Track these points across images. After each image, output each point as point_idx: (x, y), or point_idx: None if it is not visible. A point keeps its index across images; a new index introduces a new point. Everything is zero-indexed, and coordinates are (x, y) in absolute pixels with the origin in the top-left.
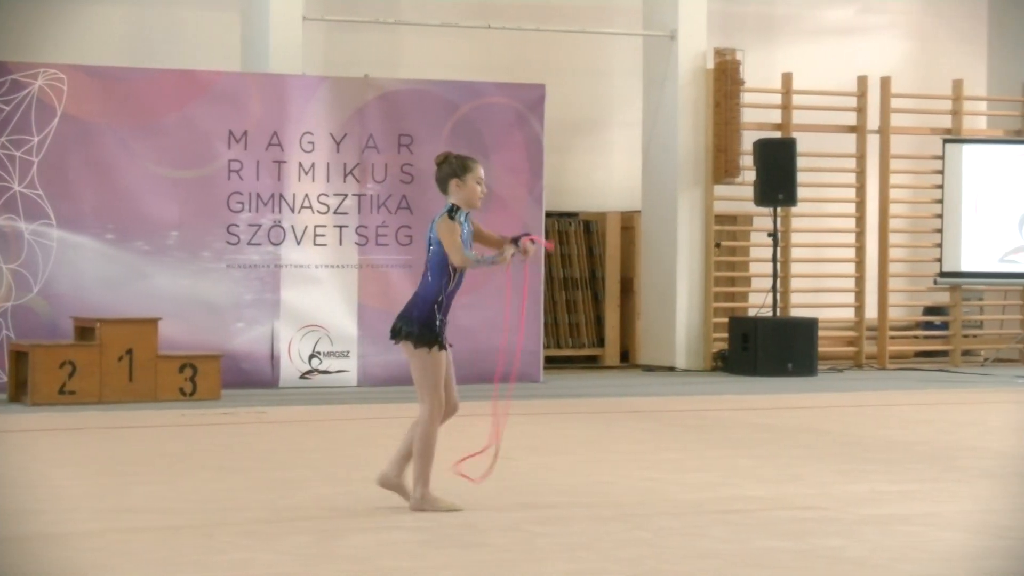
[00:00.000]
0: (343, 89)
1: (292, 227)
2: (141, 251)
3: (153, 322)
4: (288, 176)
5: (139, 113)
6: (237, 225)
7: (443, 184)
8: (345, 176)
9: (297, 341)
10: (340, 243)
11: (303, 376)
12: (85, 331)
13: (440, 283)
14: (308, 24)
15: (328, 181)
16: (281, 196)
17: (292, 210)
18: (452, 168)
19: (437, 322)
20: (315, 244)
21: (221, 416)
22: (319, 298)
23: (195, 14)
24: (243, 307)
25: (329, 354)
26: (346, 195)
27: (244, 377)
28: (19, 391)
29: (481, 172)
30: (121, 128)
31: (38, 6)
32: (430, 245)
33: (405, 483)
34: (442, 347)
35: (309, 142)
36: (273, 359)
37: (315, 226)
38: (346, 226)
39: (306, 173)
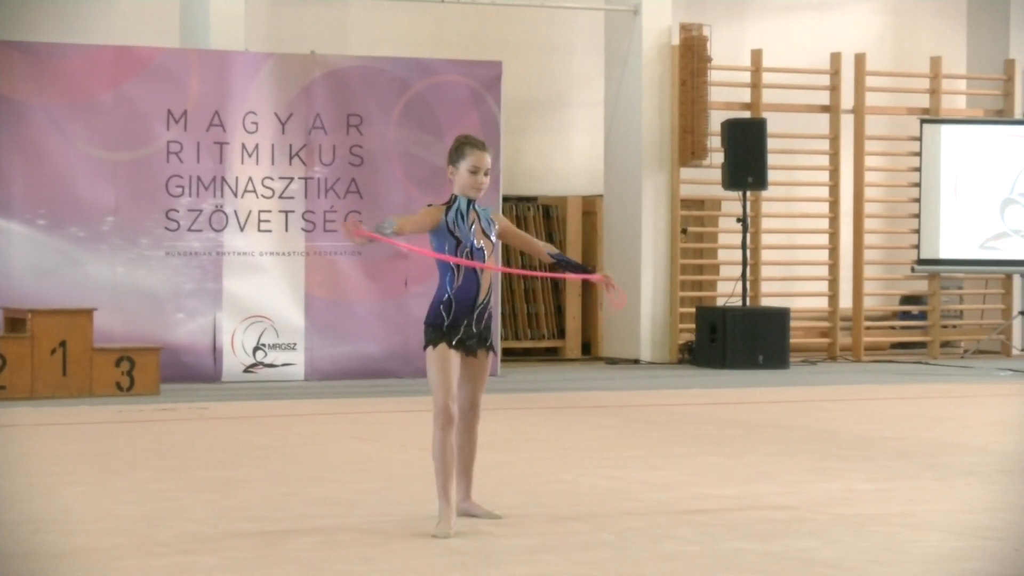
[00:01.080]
0: (288, 66)
1: (235, 212)
2: (75, 238)
3: (88, 313)
4: (230, 158)
5: (72, 91)
6: (177, 210)
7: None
8: (291, 158)
9: (240, 333)
10: (286, 229)
11: (247, 370)
12: (16, 322)
13: (442, 281)
14: None
15: (273, 164)
16: (223, 179)
17: (235, 194)
18: (449, 155)
19: (445, 324)
20: (259, 230)
21: (160, 412)
22: (264, 287)
23: None
24: (183, 297)
25: (274, 346)
26: (292, 178)
27: (185, 371)
28: None
29: (481, 159)
30: (53, 107)
31: None
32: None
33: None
34: (451, 346)
35: (252, 122)
36: (215, 352)
37: (259, 211)
38: (292, 211)
39: (249, 155)
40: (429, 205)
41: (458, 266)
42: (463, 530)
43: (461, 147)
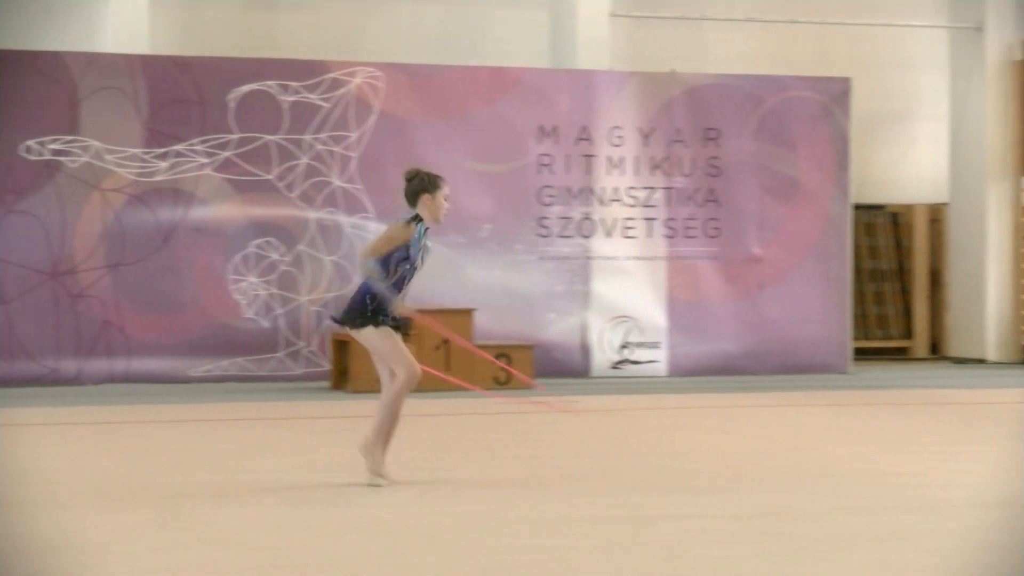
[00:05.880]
0: (650, 84)
1: (601, 220)
2: (455, 243)
3: (468, 313)
4: (597, 169)
5: (452, 109)
6: (548, 218)
7: (413, 198)
8: (653, 169)
9: (608, 332)
10: (649, 235)
11: (614, 366)
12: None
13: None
14: (615, 20)
15: (636, 174)
16: (591, 189)
17: (601, 203)
18: (423, 183)
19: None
20: (624, 236)
21: (533, 404)
22: (629, 289)
23: (505, 12)
24: (554, 298)
25: (639, 344)
26: (654, 188)
27: (556, 366)
28: (341, 379)
29: (448, 190)
30: (435, 124)
31: (354, 6)
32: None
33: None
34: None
35: (618, 136)
36: (584, 349)
37: (624, 219)
38: (654, 219)
39: (615, 167)
40: (408, 225)
41: (394, 269)
42: (820, 515)
43: (436, 179)
